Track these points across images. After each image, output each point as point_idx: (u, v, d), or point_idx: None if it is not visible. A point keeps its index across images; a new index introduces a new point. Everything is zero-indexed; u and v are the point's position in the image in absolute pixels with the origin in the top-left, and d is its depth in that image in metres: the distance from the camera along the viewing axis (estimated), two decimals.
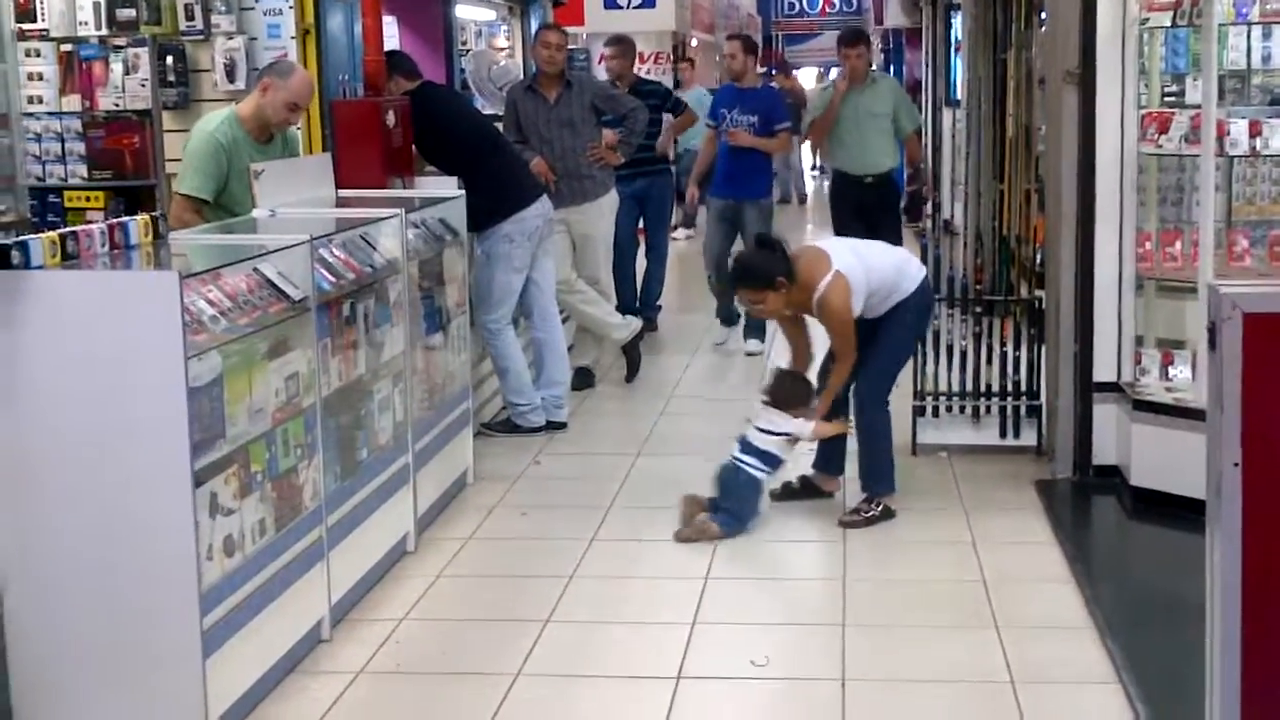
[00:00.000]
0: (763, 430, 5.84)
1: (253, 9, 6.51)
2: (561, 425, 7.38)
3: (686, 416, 7.78)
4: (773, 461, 5.84)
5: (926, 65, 16.57)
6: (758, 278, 5.73)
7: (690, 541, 5.62)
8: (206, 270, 4.13)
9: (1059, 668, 4.46)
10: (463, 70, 9.33)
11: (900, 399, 6.44)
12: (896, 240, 8.27)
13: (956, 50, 13.39)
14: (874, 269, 5.78)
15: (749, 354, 9.23)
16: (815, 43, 32.93)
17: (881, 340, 5.85)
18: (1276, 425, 2.39)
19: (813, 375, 6.08)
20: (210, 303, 3.99)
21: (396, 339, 5.39)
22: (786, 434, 5.83)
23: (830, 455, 6.10)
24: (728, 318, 9.54)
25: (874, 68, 9.43)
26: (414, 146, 6.95)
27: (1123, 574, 5.50)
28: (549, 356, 7.42)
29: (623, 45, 9.59)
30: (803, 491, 6.11)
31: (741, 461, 5.81)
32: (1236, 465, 2.42)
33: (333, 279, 4.78)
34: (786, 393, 5.93)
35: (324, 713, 4.22)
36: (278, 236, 4.65)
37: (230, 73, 6.53)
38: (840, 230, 9.13)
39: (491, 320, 7.09)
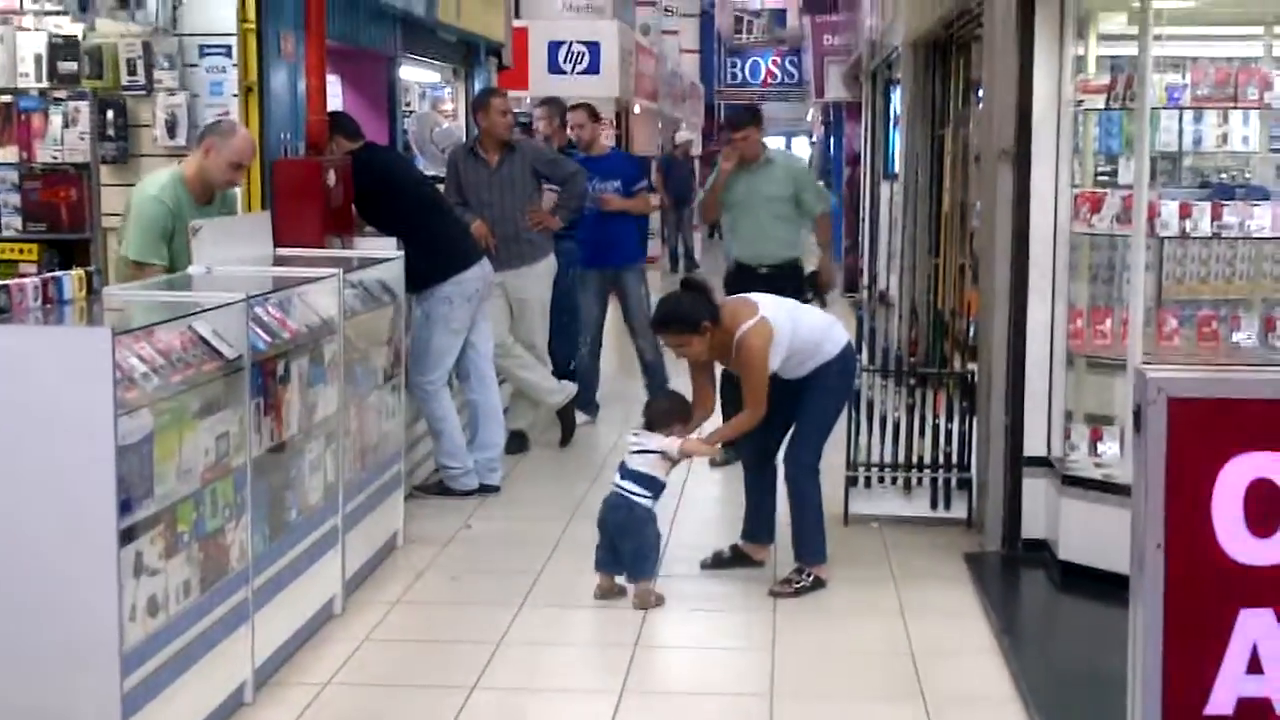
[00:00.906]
0: (634, 451, 5.80)
1: (196, 66, 6.51)
2: (495, 489, 7.36)
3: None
4: (651, 485, 5.75)
5: (865, 139, 16.77)
6: (684, 321, 5.73)
7: (644, 608, 5.60)
8: (140, 327, 4.11)
9: None
10: (405, 131, 9.35)
11: (833, 469, 6.48)
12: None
13: (895, 125, 13.57)
14: (801, 326, 5.83)
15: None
16: None
17: (807, 407, 5.89)
18: (1199, 508, 2.43)
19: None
20: (142, 360, 3.96)
21: (330, 399, 5.36)
22: (658, 452, 5.76)
23: (759, 524, 6.11)
24: (589, 402, 9.23)
25: (771, 148, 8.32)
26: (354, 206, 6.95)
27: (1049, 647, 5.53)
28: (484, 419, 7.40)
29: (549, 107, 9.57)
30: (733, 560, 6.12)
31: (620, 488, 5.76)
32: (1159, 547, 2.46)
33: (268, 338, 4.75)
34: (659, 412, 5.93)
35: None
36: (213, 294, 4.63)
37: (171, 129, 6.51)
38: None
39: (427, 381, 7.07)
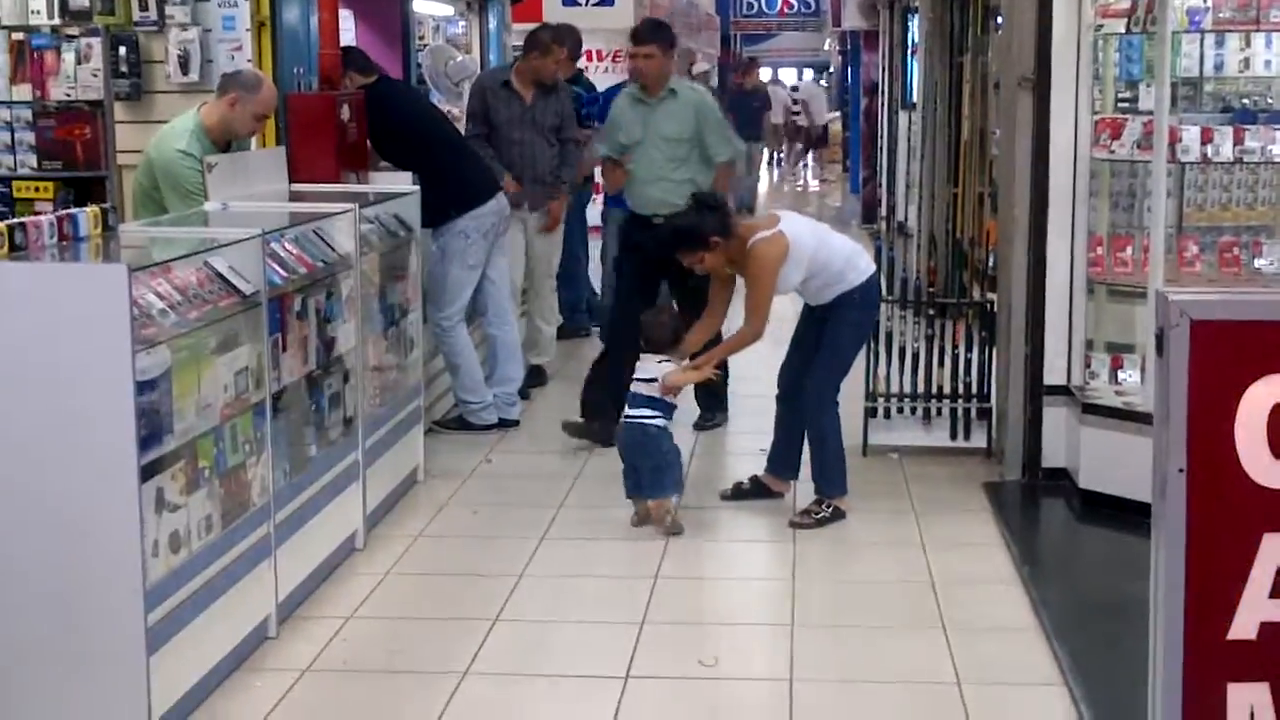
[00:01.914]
0: (638, 379, 5.81)
1: (208, 1, 6.45)
2: (514, 423, 7.36)
3: None
4: (658, 405, 5.75)
5: (883, 68, 16.62)
6: (690, 238, 5.72)
7: (670, 531, 5.65)
8: (156, 264, 4.10)
9: (1005, 669, 4.49)
10: (419, 65, 9.28)
11: (851, 400, 6.46)
12: (696, 313, 6.18)
13: (913, 53, 13.44)
14: (825, 247, 5.78)
15: None
16: (773, 42, 32.98)
17: (826, 340, 5.86)
18: (1221, 432, 2.40)
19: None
20: (159, 296, 3.96)
21: (348, 335, 5.36)
22: (653, 379, 5.77)
23: (784, 457, 6.10)
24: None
25: (679, 79, 7.27)
26: (369, 142, 6.92)
27: (1069, 576, 5.53)
28: (502, 354, 7.40)
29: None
30: (752, 491, 6.12)
31: (629, 417, 5.78)
32: (1181, 471, 2.43)
33: (284, 273, 4.74)
34: (654, 331, 5.88)
35: (269, 711, 4.19)
36: (229, 230, 4.62)
37: (184, 65, 6.47)
38: (624, 300, 7.16)
39: (444, 317, 7.06)
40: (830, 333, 5.86)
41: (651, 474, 5.74)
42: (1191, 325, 2.39)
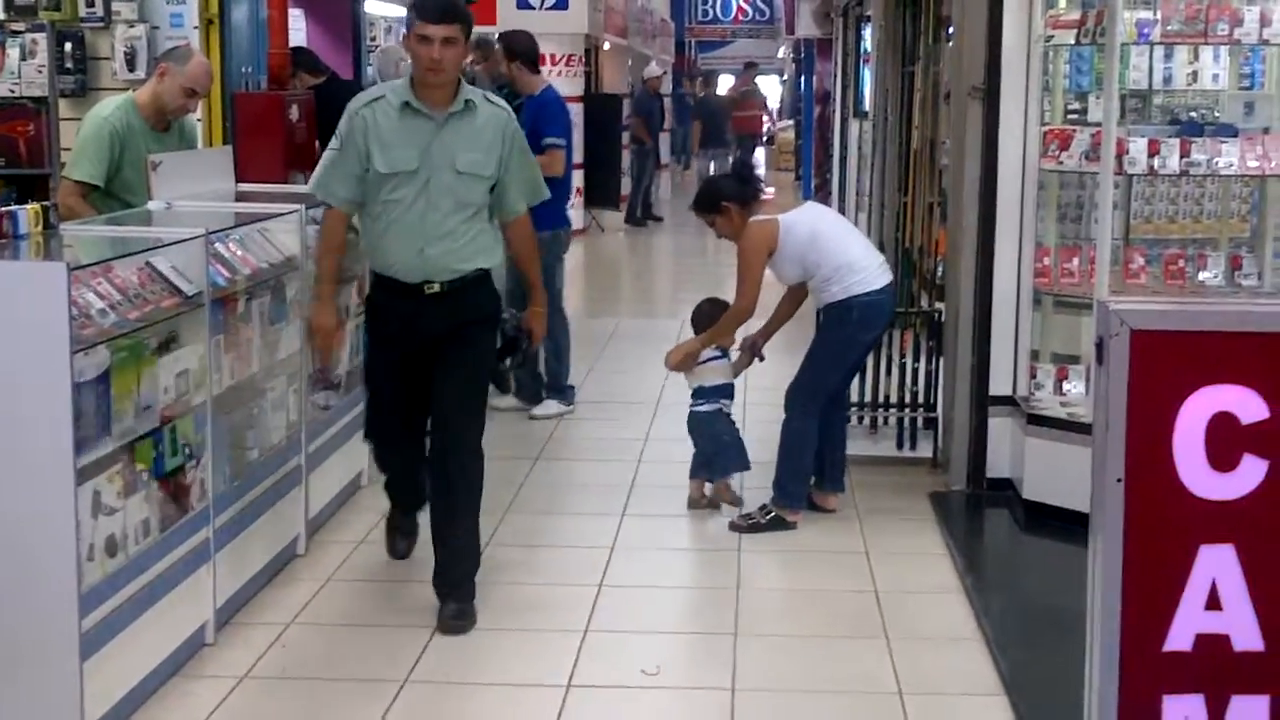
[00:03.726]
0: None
1: None
2: None
3: (588, 421, 7.75)
4: (701, 393, 6.08)
5: (836, 76, 16.67)
6: (705, 200, 5.93)
7: (732, 503, 6.00)
8: (96, 262, 4.05)
9: (947, 679, 4.50)
10: (370, 66, 9.24)
11: None
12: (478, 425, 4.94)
13: (866, 62, 13.48)
14: (814, 248, 5.73)
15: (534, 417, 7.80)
16: (729, 49, 33.04)
17: (813, 343, 5.89)
18: (1160, 442, 2.41)
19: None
20: (99, 296, 3.91)
21: (292, 337, 5.31)
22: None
23: (824, 470, 6.03)
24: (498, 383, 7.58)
25: (472, 90, 4.87)
26: (318, 143, 6.87)
27: (1012, 587, 5.55)
28: None
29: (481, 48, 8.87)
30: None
31: (692, 407, 6.13)
32: (1119, 481, 2.44)
33: (228, 274, 4.70)
34: (696, 317, 6.23)
35: (205, 718, 4.14)
36: (172, 229, 4.57)
37: (130, 61, 6.42)
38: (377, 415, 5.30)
39: None
40: (818, 337, 5.90)
41: (702, 459, 6.04)
42: (1131, 334, 2.40)
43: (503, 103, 4.97)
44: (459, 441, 4.78)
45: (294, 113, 6.41)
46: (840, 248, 5.79)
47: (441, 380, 4.78)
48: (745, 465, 6.06)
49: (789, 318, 6.17)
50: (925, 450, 6.81)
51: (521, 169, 4.93)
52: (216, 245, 4.67)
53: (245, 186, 6.05)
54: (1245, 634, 2.47)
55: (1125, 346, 2.41)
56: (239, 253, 4.87)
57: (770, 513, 5.83)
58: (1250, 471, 2.43)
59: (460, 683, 4.46)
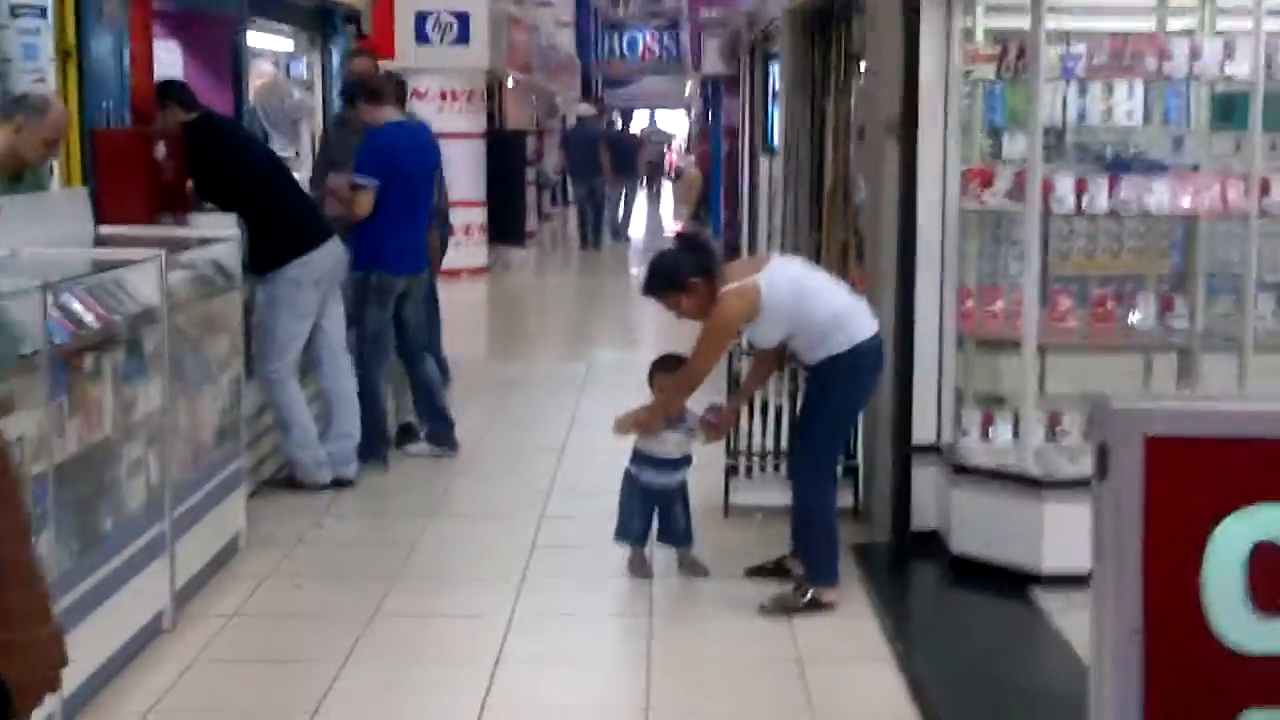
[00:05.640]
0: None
1: (7, 27, 5.88)
2: (349, 483, 6.84)
3: (485, 477, 7.29)
4: (632, 453, 5.60)
5: (744, 113, 16.42)
6: (666, 279, 5.25)
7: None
8: None
9: None
10: (249, 102, 8.74)
11: (711, 458, 6.06)
12: None
13: (774, 99, 13.22)
14: (804, 302, 5.21)
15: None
16: (636, 87, 32.96)
17: (812, 407, 5.43)
18: (1187, 581, 1.87)
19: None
20: None
21: (152, 394, 4.83)
22: None
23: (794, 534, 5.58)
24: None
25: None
26: (190, 182, 6.40)
27: (942, 651, 5.12)
28: (338, 408, 6.88)
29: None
30: (774, 572, 5.58)
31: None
32: (1137, 633, 1.91)
33: (72, 327, 4.22)
34: (652, 371, 5.66)
35: None
36: (7, 280, 4.09)
37: None
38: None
39: (272, 370, 6.53)
40: (816, 398, 5.39)
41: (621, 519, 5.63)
42: (1147, 442, 1.87)
43: None
44: None
45: (160, 150, 5.93)
46: (829, 297, 5.32)
47: None
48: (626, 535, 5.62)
49: (765, 381, 5.87)
50: (846, 501, 6.40)
51: None
52: (63, 297, 4.19)
53: (107, 230, 5.56)
54: None
55: (1139, 457, 1.88)
56: (89, 303, 4.39)
57: (808, 593, 5.29)
58: None
59: None
